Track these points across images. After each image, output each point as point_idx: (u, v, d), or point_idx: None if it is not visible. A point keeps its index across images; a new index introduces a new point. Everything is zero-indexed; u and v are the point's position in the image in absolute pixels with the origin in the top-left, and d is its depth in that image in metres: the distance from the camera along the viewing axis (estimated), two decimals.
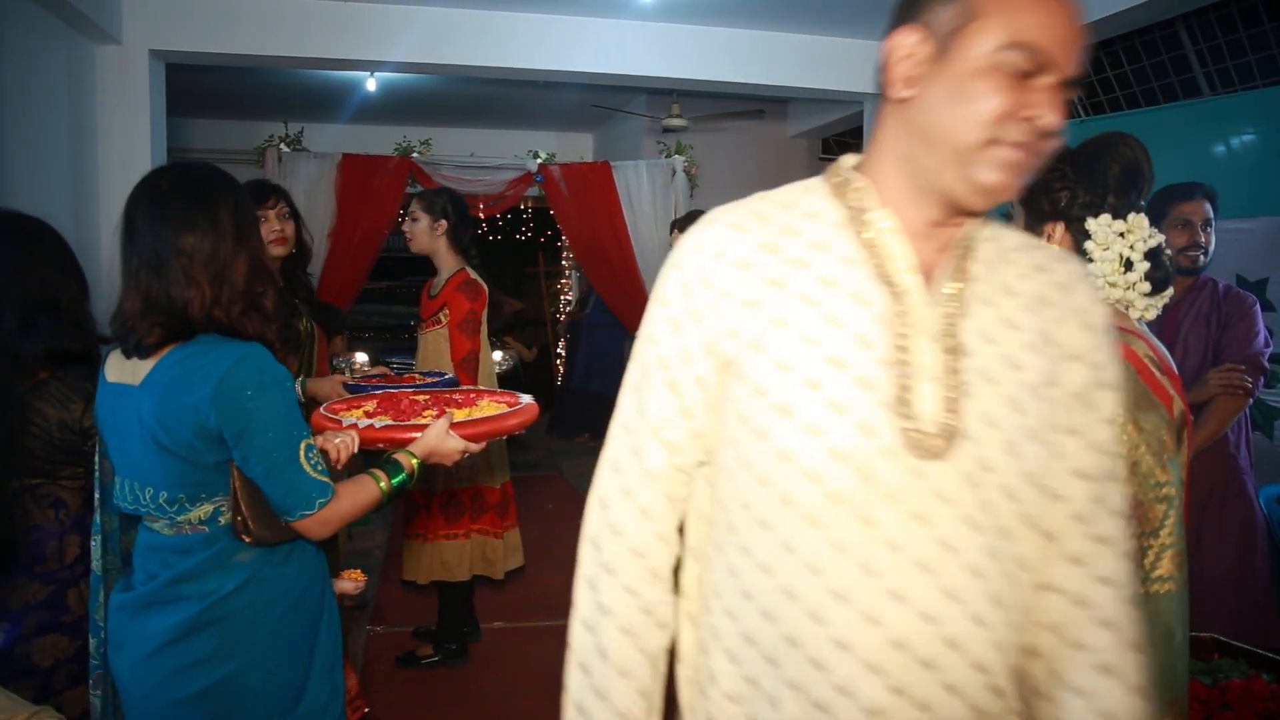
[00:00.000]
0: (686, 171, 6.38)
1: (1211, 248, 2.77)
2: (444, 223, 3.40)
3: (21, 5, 4.11)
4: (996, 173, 0.93)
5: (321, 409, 2.08)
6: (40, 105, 4.31)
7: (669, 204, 6.26)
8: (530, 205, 8.69)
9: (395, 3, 5.06)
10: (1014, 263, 1.04)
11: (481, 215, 6.51)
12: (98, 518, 1.75)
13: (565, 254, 9.98)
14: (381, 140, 6.82)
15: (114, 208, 4.86)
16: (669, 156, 6.44)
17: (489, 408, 2.14)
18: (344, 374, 2.98)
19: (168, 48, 5.05)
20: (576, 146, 8.35)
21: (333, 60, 5.27)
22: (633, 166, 6.32)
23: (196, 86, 5.81)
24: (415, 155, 6.09)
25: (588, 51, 5.23)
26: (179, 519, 1.56)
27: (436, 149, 6.33)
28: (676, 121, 6.94)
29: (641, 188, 6.24)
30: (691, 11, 5.08)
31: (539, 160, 6.17)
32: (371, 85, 6.50)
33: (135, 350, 1.55)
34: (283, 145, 6.07)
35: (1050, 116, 0.91)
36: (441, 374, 3.06)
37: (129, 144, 5.02)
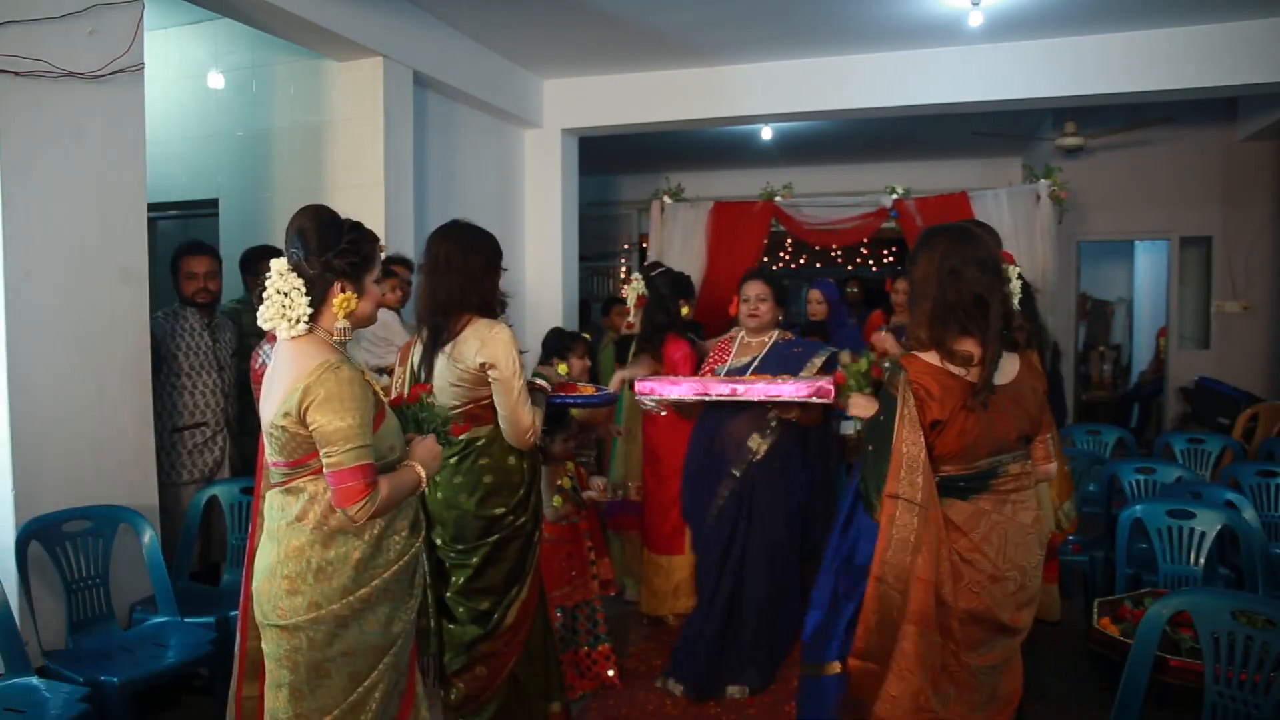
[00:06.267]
0: (1054, 197, 6.14)
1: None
2: None
3: (472, 114, 5.56)
4: None
5: None
6: (478, 178, 5.69)
7: (1032, 231, 6.08)
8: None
9: (762, 61, 5.68)
10: None
11: (835, 249, 6.86)
12: None
13: None
14: (748, 183, 7.52)
15: (533, 246, 6.25)
16: (1034, 181, 6.26)
17: None
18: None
19: (579, 125, 6.21)
20: (1005, 172, 8.24)
21: (724, 119, 6.02)
22: (992, 195, 6.24)
23: (594, 148, 6.96)
24: (778, 199, 6.65)
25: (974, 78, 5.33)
26: None
27: (799, 187, 6.84)
28: (1071, 140, 6.68)
29: (1002, 217, 6.11)
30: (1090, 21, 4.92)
31: (894, 195, 6.37)
32: (767, 134, 7.24)
33: None
34: (666, 197, 6.99)
35: None
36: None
37: (546, 201, 6.27)
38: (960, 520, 2.03)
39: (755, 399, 3.08)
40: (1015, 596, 2.05)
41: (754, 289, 3.48)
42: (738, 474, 3.35)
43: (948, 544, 2.00)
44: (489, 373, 2.49)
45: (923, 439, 1.97)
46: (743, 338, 3.56)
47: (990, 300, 2.01)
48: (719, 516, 3.37)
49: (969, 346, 2.03)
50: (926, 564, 1.97)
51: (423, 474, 2.01)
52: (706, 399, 3.16)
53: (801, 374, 3.26)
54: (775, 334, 3.50)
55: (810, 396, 2.94)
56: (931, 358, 2.04)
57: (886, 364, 2.22)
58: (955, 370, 2.02)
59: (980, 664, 2.04)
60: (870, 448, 2.05)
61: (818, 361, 3.33)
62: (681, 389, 3.17)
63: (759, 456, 3.33)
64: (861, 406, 2.42)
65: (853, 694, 2.08)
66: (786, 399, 3.01)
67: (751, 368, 3.39)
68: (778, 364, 3.34)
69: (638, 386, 3.21)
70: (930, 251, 2.08)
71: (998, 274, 2.06)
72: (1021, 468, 2.11)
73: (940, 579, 1.97)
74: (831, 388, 2.75)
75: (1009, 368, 2.09)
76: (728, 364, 3.49)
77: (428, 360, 2.58)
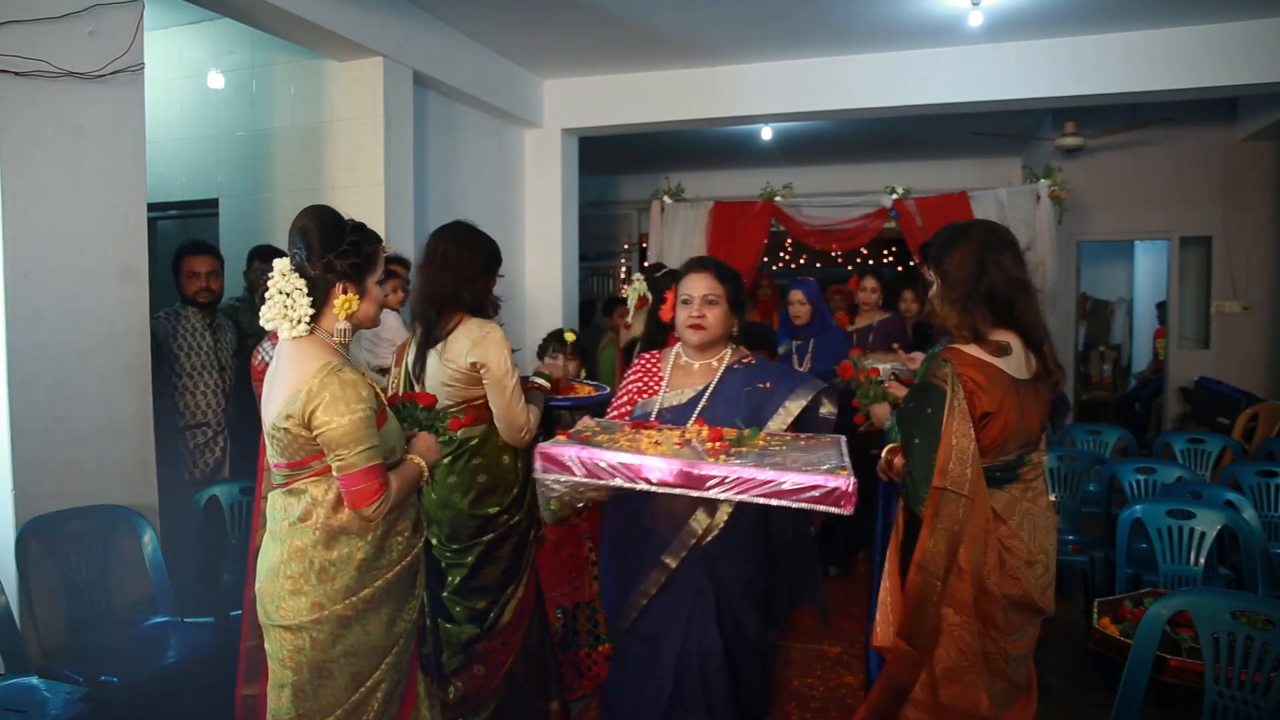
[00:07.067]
0: (1054, 196, 6.14)
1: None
2: None
3: (472, 114, 5.57)
4: None
5: None
6: (478, 178, 5.70)
7: (1032, 231, 6.08)
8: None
9: (762, 61, 5.68)
10: None
11: (836, 252, 6.85)
12: None
13: None
14: (748, 183, 7.52)
15: (533, 247, 6.24)
16: (1034, 181, 6.26)
17: None
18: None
19: (579, 125, 6.22)
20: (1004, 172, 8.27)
21: (724, 119, 6.02)
22: (991, 195, 6.25)
23: (594, 148, 6.96)
24: (778, 199, 6.65)
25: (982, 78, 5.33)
26: None
27: (799, 187, 6.84)
28: (1071, 140, 6.68)
29: (1003, 217, 6.13)
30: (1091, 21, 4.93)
31: (894, 195, 6.37)
32: (767, 134, 7.24)
33: None
34: (666, 197, 7.00)
35: None
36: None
37: (546, 201, 6.27)
38: (1000, 508, 2.07)
39: (726, 497, 1.96)
40: (1043, 579, 2.10)
41: (698, 284, 2.35)
42: (673, 564, 2.27)
43: (994, 533, 2.02)
44: (481, 373, 2.50)
45: (972, 430, 1.98)
46: (679, 357, 2.45)
47: (1028, 289, 2.07)
48: (642, 620, 2.33)
49: (1005, 337, 2.07)
50: (966, 555, 1.99)
51: (423, 465, 2.02)
52: (649, 489, 1.99)
53: (772, 422, 2.28)
54: (728, 354, 2.40)
55: (818, 504, 1.91)
56: (974, 350, 2.06)
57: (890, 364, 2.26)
58: (995, 361, 2.04)
59: (1013, 651, 2.08)
60: (916, 441, 2.06)
61: (794, 407, 2.30)
62: (605, 463, 1.99)
63: (706, 539, 2.26)
64: (880, 416, 2.50)
65: (892, 673, 2.11)
66: (779, 503, 1.93)
67: (697, 409, 2.33)
68: (734, 402, 2.31)
69: (536, 455, 2.10)
70: (966, 242, 2.10)
71: (1026, 267, 2.12)
72: (1039, 457, 2.17)
73: (988, 569, 2.00)
74: (851, 487, 1.90)
75: (1032, 362, 2.12)
76: (658, 400, 2.38)
77: (420, 359, 2.58)
